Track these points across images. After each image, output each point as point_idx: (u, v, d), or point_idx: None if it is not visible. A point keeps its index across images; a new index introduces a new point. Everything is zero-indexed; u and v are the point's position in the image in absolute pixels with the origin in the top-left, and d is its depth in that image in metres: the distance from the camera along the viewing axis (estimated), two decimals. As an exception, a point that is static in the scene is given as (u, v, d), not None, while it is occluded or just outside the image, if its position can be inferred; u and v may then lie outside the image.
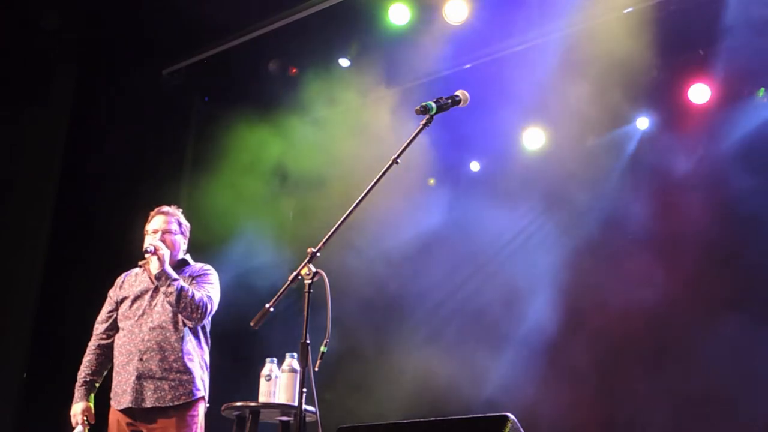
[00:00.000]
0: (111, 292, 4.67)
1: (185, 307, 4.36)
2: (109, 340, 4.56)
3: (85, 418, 4.43)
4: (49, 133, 6.95)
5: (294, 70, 7.15)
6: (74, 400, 4.48)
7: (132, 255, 4.67)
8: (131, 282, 4.64)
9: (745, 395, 5.50)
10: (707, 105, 6.20)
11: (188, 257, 4.70)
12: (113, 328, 4.58)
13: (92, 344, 4.59)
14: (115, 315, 4.59)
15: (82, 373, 4.53)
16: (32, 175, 6.87)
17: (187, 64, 7.25)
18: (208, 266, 4.67)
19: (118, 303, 4.59)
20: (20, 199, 6.79)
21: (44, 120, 6.94)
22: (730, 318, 5.65)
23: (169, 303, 4.39)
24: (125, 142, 6.95)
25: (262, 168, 7.02)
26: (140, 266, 4.63)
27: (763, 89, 6.01)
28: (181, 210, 4.74)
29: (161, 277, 4.38)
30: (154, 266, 4.42)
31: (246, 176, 6.94)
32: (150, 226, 4.61)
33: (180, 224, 4.67)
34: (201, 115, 7.53)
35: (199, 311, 4.38)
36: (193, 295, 4.37)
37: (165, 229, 4.57)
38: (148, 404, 4.32)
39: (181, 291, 4.35)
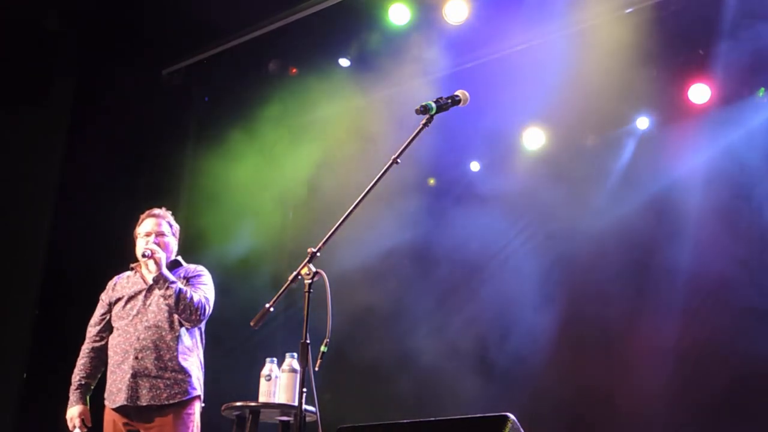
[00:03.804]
0: (103, 295, 4.67)
1: (184, 309, 4.36)
2: (103, 342, 4.56)
3: (81, 421, 4.43)
4: (49, 133, 6.95)
5: (294, 70, 7.15)
6: (69, 403, 4.48)
7: (133, 255, 4.66)
8: (123, 284, 4.64)
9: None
10: (707, 105, 6.20)
11: (180, 258, 4.70)
12: (106, 330, 4.58)
13: (86, 347, 4.59)
14: (108, 317, 4.59)
15: (77, 376, 4.53)
16: (32, 175, 6.87)
17: (187, 64, 7.26)
18: (201, 267, 4.68)
19: (111, 305, 4.59)
20: (20, 199, 6.79)
21: (44, 120, 6.93)
22: (731, 315, 5.66)
23: (168, 306, 4.39)
24: (125, 141, 6.95)
25: (262, 167, 7.02)
26: (132, 269, 4.64)
27: (763, 89, 6.00)
28: (170, 212, 4.74)
29: (159, 280, 4.39)
30: (151, 270, 4.43)
31: (246, 176, 6.94)
32: (142, 229, 4.61)
33: (171, 226, 4.67)
34: (201, 115, 7.52)
35: (198, 313, 4.39)
36: (191, 297, 4.37)
37: (158, 231, 4.57)
38: (143, 402, 4.32)
39: (179, 293, 4.35)
